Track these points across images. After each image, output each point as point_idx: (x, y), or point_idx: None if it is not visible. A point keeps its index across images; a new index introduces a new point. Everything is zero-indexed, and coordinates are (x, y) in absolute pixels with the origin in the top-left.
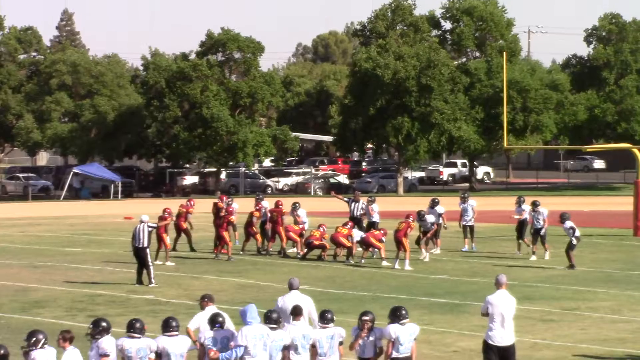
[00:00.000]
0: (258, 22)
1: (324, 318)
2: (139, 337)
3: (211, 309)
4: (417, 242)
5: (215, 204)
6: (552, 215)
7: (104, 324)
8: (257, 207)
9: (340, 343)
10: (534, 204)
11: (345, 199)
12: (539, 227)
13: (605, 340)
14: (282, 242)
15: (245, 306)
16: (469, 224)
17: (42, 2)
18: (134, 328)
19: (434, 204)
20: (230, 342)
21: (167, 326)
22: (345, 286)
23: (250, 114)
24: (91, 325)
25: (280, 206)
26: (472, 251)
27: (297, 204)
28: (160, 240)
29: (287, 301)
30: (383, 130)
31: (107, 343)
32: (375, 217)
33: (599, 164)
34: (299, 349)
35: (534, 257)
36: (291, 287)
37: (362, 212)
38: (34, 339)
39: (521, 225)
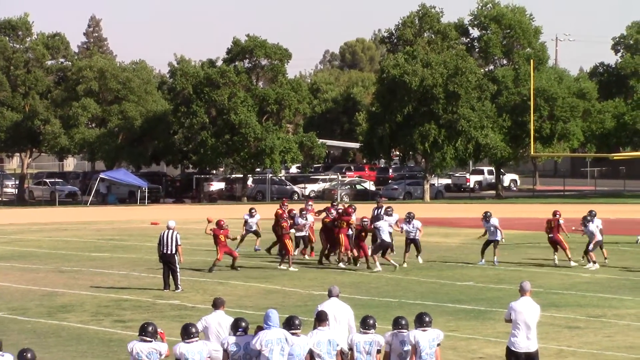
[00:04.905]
0: (285, 29)
1: (366, 324)
2: (151, 341)
3: (219, 313)
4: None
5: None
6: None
7: (28, 355)
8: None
9: (378, 351)
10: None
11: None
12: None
13: (631, 347)
14: (340, 248)
15: (267, 310)
16: (495, 238)
17: (70, 8)
18: (145, 332)
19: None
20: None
21: (187, 333)
22: (371, 292)
23: (277, 121)
24: None
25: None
26: (494, 264)
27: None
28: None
29: (326, 308)
30: (410, 137)
31: None
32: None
33: None
34: (323, 355)
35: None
36: (330, 295)
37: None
38: None
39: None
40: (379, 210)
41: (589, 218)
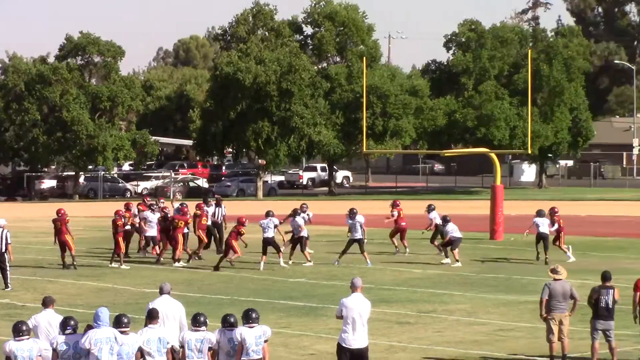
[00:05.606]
0: (118, 26)
1: (197, 321)
2: None
3: (49, 312)
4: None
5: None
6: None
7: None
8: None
9: (210, 349)
10: (444, 219)
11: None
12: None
13: (460, 342)
14: (177, 249)
15: (97, 309)
16: (357, 237)
17: None
18: None
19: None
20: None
21: (17, 330)
22: (203, 289)
23: (110, 118)
24: None
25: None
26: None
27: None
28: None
29: (157, 306)
30: (243, 134)
31: None
32: (304, 232)
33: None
34: (153, 353)
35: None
36: (161, 292)
37: (223, 217)
38: None
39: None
40: (219, 209)
41: (448, 219)
